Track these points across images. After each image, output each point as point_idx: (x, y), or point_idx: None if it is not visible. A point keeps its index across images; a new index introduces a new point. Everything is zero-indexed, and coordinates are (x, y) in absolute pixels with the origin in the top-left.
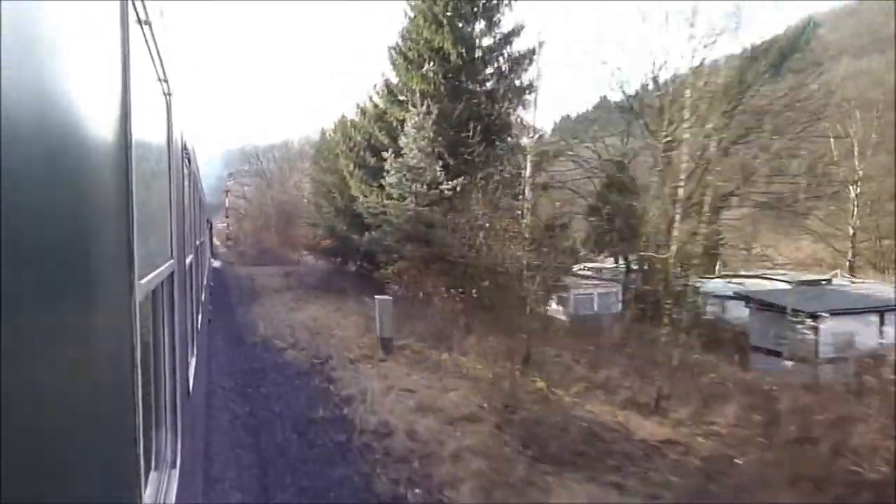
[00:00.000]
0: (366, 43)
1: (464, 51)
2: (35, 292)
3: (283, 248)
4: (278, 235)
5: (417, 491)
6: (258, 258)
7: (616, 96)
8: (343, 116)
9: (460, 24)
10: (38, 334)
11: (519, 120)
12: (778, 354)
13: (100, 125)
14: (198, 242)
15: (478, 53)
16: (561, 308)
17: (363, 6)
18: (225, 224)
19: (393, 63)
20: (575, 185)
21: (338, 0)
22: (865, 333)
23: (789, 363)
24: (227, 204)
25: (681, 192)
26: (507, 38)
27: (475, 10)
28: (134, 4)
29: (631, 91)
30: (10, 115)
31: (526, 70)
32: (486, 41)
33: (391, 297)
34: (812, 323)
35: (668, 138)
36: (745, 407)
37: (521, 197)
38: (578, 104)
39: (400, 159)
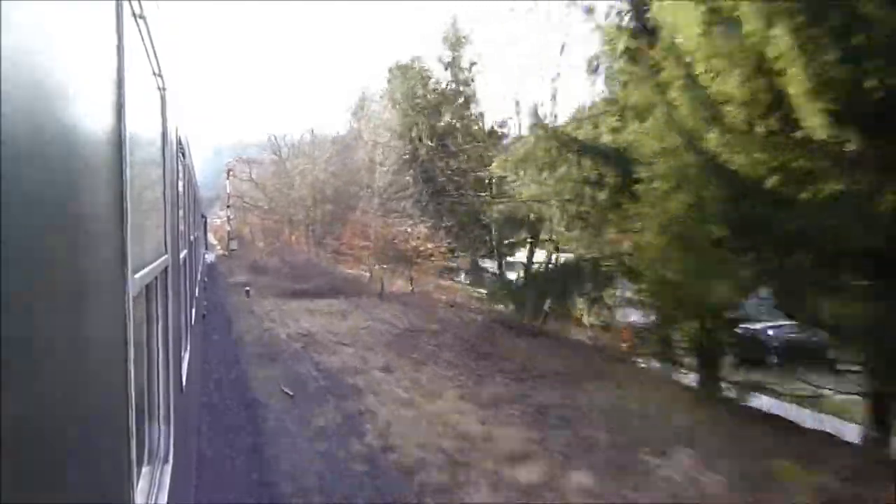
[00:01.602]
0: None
1: None
2: (27, 287)
3: (327, 257)
4: (316, 236)
5: None
6: (298, 280)
7: None
8: None
9: None
10: (31, 329)
11: None
12: None
13: (94, 119)
14: (192, 237)
15: None
16: None
17: (363, 7)
18: (225, 218)
19: None
20: None
21: (337, 0)
22: None
23: None
24: (228, 189)
25: None
26: None
27: None
28: None
29: None
30: (4, 108)
31: None
32: None
33: None
34: None
35: None
36: None
37: None
38: None
39: None
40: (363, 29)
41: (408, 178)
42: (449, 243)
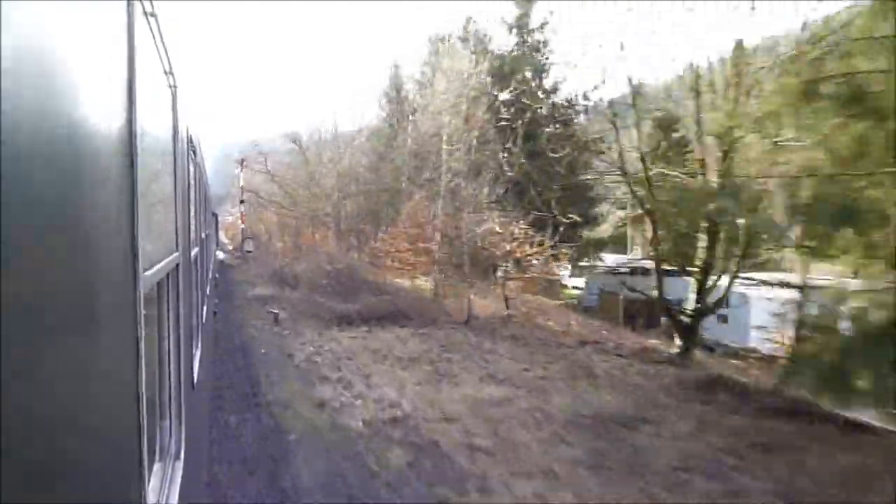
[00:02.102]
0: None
1: None
2: (39, 284)
3: (366, 261)
4: (345, 235)
5: None
6: (341, 296)
7: None
8: None
9: None
10: (43, 326)
11: None
12: None
13: (105, 117)
14: (203, 235)
15: None
16: None
17: (366, 8)
18: (238, 215)
19: None
20: None
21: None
22: None
23: None
24: (241, 182)
25: None
26: None
27: None
28: None
29: None
30: (16, 106)
31: None
32: None
33: None
34: None
35: None
36: None
37: None
38: None
39: None
40: (364, 28)
41: (501, 158)
42: (555, 245)
